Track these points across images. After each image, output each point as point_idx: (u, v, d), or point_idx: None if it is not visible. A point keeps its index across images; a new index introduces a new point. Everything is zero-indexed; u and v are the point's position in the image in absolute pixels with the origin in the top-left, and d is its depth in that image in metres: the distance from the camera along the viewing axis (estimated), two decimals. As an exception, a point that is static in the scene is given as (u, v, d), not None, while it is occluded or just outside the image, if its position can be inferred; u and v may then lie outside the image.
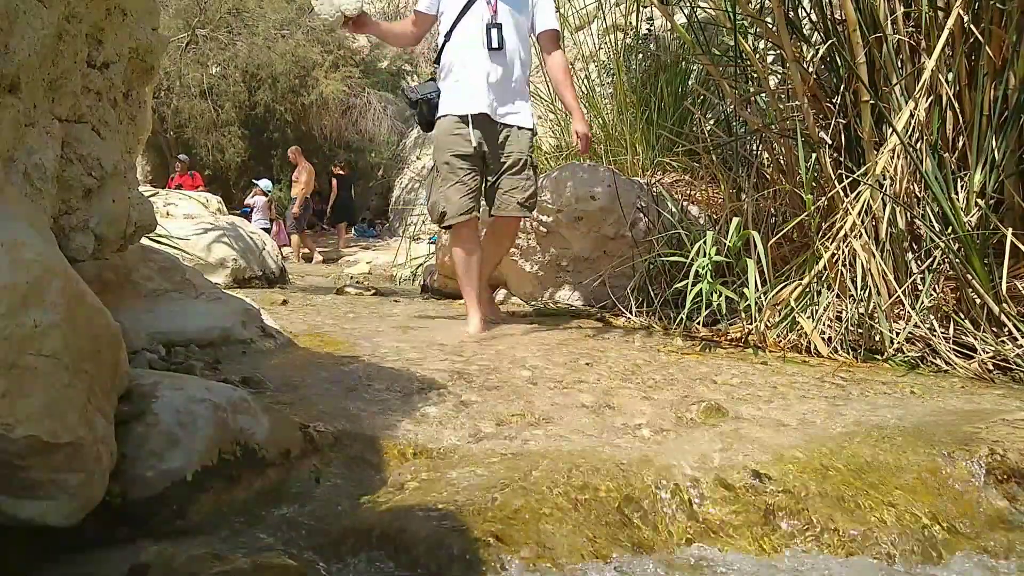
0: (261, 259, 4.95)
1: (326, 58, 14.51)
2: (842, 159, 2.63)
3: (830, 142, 2.71)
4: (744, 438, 1.37)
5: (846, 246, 2.40)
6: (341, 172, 13.58)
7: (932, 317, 2.26)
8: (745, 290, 2.56)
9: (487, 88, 2.77)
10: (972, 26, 2.33)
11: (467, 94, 2.78)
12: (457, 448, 1.32)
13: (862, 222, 2.40)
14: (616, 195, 3.37)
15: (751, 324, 2.52)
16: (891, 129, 2.41)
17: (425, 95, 2.88)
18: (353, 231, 14.70)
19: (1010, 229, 2.15)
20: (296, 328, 2.60)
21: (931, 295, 2.27)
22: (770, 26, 2.88)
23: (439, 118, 2.85)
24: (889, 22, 2.47)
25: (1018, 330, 2.10)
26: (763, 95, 3.25)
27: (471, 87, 2.77)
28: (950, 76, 2.42)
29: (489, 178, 2.88)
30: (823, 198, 2.60)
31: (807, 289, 2.48)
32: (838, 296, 2.42)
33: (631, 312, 3.13)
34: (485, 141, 2.79)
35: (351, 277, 6.56)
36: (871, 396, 1.80)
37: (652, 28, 4.59)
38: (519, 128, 2.85)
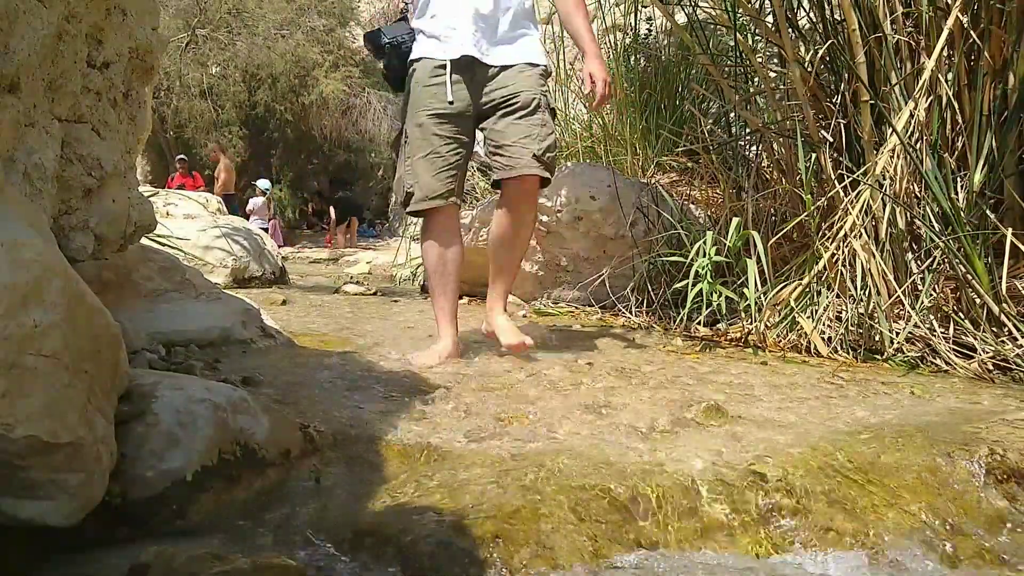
0: (261, 259, 4.95)
1: (326, 58, 14.52)
2: (842, 159, 2.63)
3: (831, 141, 2.71)
4: (744, 438, 1.37)
5: (846, 246, 2.40)
6: (346, 195, 14.02)
7: (932, 317, 2.26)
8: (745, 290, 2.56)
9: (474, 21, 2.12)
10: (971, 30, 2.33)
11: (448, 32, 2.13)
12: (457, 448, 1.32)
13: (862, 222, 2.40)
14: (616, 195, 3.37)
15: (751, 324, 2.52)
16: (891, 129, 2.41)
17: (394, 38, 2.20)
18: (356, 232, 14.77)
19: (1010, 229, 2.15)
20: (296, 328, 2.60)
21: (931, 295, 2.27)
22: (770, 26, 2.88)
23: (412, 63, 2.19)
24: (888, 22, 2.47)
25: (1018, 330, 2.10)
26: (763, 95, 3.25)
27: (453, 21, 2.12)
28: (950, 76, 2.43)
29: (485, 133, 2.19)
30: (823, 198, 2.60)
31: (807, 289, 2.49)
32: (838, 296, 2.42)
33: (631, 312, 3.13)
34: (475, 92, 2.15)
35: (351, 277, 6.56)
36: (871, 396, 1.80)
37: (652, 28, 4.59)
38: (525, 65, 2.16)
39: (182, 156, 12.74)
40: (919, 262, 2.39)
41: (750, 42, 3.23)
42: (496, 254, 2.30)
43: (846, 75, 2.63)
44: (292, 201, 16.27)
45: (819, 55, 2.71)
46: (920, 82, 2.37)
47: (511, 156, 2.12)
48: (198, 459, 1.07)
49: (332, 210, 14.26)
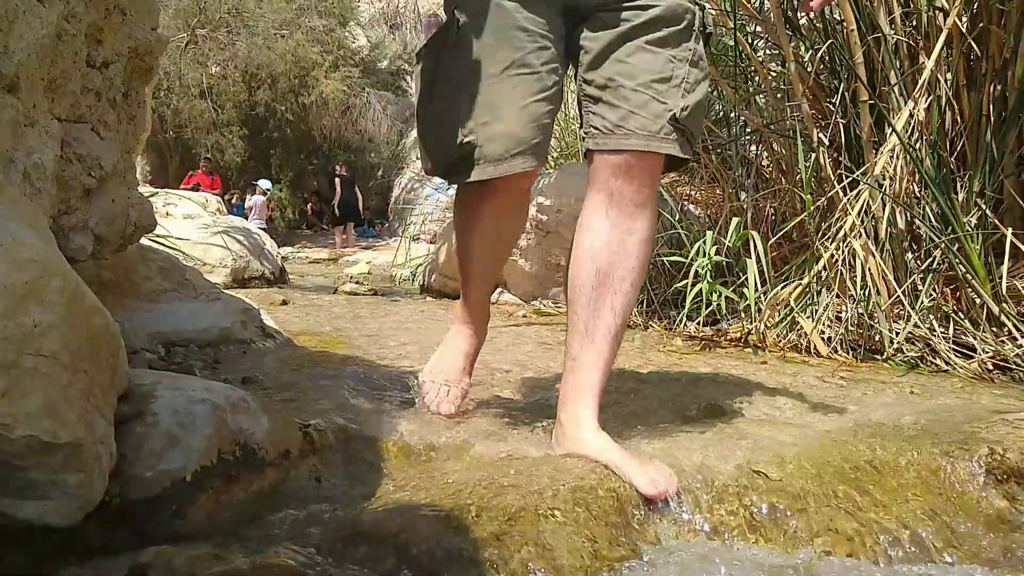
0: (260, 259, 4.95)
1: (326, 58, 14.54)
2: (841, 159, 2.64)
3: (829, 142, 2.71)
4: (744, 437, 1.37)
5: (846, 246, 2.40)
6: (344, 174, 13.65)
7: (932, 317, 2.26)
8: (745, 290, 2.56)
9: None
10: (967, 32, 2.33)
11: None
12: (458, 448, 1.32)
13: (862, 222, 2.40)
14: (616, 195, 3.37)
15: (751, 324, 2.52)
16: (890, 129, 2.41)
17: None
18: (353, 231, 14.74)
19: (1010, 229, 2.15)
20: (296, 328, 2.60)
21: (931, 295, 2.27)
22: (770, 26, 2.88)
23: None
24: (887, 22, 2.47)
25: (1018, 330, 2.10)
26: (763, 95, 3.25)
27: None
28: (949, 76, 2.43)
29: (581, 55, 1.25)
30: (823, 198, 2.60)
31: (807, 289, 2.49)
32: (838, 296, 2.42)
33: (631, 312, 3.12)
34: None
35: (351, 277, 6.56)
36: (871, 396, 1.80)
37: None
38: None
39: (208, 156, 12.64)
40: (919, 262, 2.40)
41: (749, 42, 3.23)
42: (579, 295, 1.23)
43: (845, 75, 2.63)
44: (292, 201, 16.28)
45: (818, 55, 2.71)
46: (919, 82, 2.37)
47: (627, 109, 1.19)
48: (197, 459, 1.07)
49: (336, 182, 13.90)
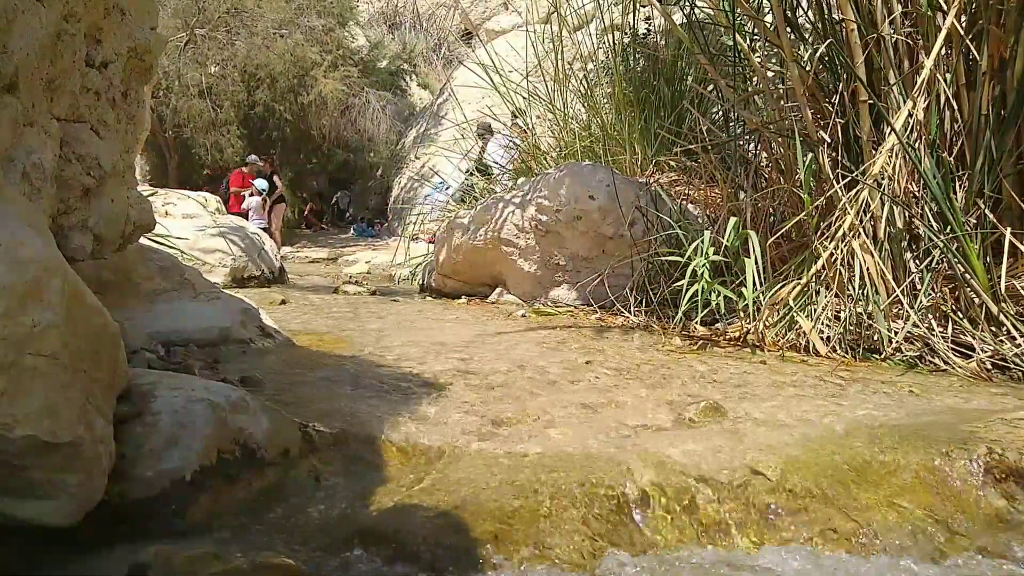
0: (260, 258, 4.94)
1: (325, 58, 14.51)
2: (840, 158, 2.64)
3: (829, 140, 2.71)
4: (743, 437, 1.37)
5: (844, 245, 2.40)
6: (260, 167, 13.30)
7: (930, 316, 2.26)
8: (743, 289, 2.56)
9: None
10: (965, 32, 2.33)
11: None
12: (457, 448, 1.32)
13: (860, 221, 2.40)
14: (615, 195, 3.37)
15: (750, 323, 2.52)
16: (889, 128, 2.42)
17: None
18: (352, 230, 14.72)
19: (1008, 228, 2.16)
20: (295, 327, 2.60)
21: (929, 294, 2.27)
22: (769, 25, 2.88)
23: None
24: (887, 22, 2.48)
25: (1016, 329, 2.10)
26: (762, 95, 3.25)
27: None
28: (948, 76, 2.43)
29: None
30: (821, 198, 2.60)
31: (805, 288, 2.49)
32: (836, 295, 2.42)
33: (630, 311, 3.13)
34: None
35: (350, 277, 6.56)
36: (869, 395, 1.80)
37: (651, 28, 4.59)
38: None
39: (250, 156, 12.42)
40: (917, 261, 2.40)
41: (748, 42, 3.23)
42: None
43: (844, 75, 2.63)
44: (291, 200, 16.25)
45: (818, 55, 2.72)
46: (918, 81, 2.37)
47: None
48: (197, 459, 1.07)
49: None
